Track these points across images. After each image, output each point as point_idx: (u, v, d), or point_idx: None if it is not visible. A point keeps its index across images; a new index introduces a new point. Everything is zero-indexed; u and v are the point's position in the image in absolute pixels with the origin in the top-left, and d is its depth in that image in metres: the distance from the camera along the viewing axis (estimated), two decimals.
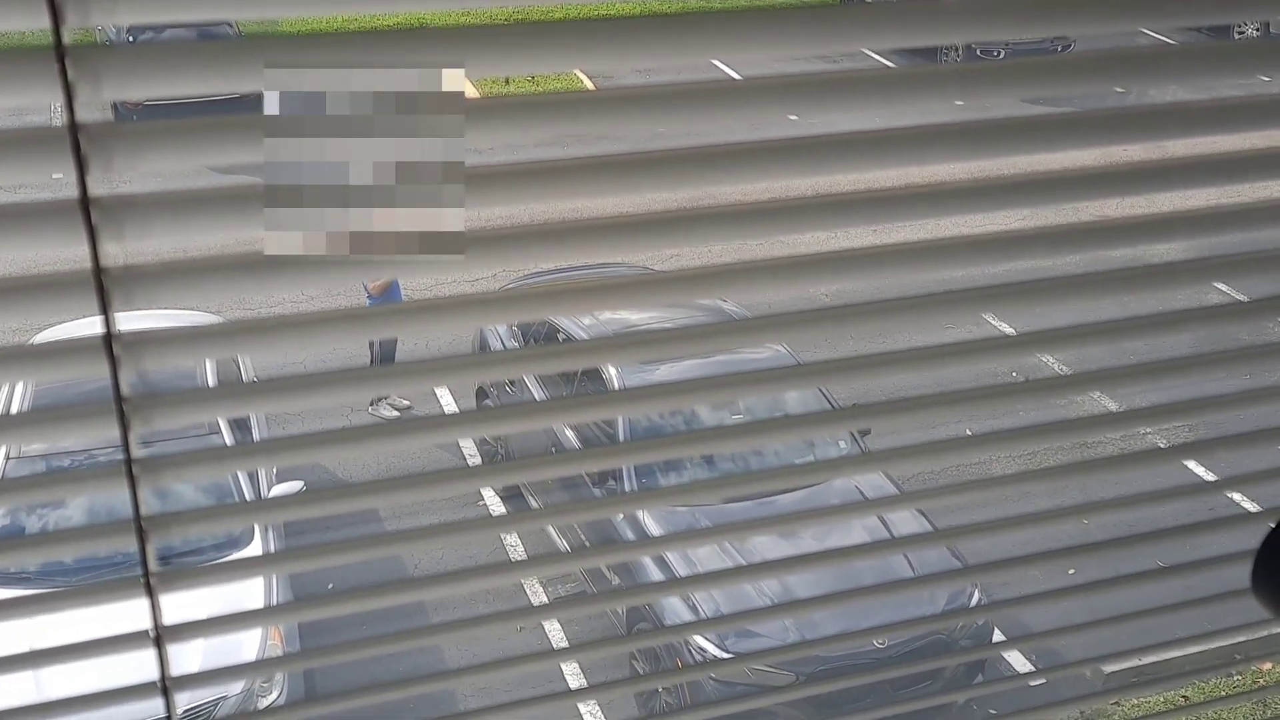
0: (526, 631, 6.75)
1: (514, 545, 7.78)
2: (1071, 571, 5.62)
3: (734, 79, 0.98)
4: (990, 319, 9.99)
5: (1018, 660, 6.97)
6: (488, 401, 9.07)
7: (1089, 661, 1.67)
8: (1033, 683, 5.33)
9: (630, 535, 6.85)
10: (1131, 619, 1.50)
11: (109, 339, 0.91)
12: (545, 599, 7.36)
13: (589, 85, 15.11)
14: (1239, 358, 1.32)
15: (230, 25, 14.46)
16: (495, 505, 8.03)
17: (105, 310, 0.90)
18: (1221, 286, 9.28)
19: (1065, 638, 1.51)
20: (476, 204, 0.92)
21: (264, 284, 0.93)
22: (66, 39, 0.81)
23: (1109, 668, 6.28)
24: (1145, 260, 1.21)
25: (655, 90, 0.95)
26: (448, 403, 9.28)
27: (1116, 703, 6.61)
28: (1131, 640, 1.65)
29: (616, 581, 6.83)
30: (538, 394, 7.85)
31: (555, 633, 7.07)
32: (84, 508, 6.23)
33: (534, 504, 7.75)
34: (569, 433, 7.51)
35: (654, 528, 6.70)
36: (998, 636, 6.81)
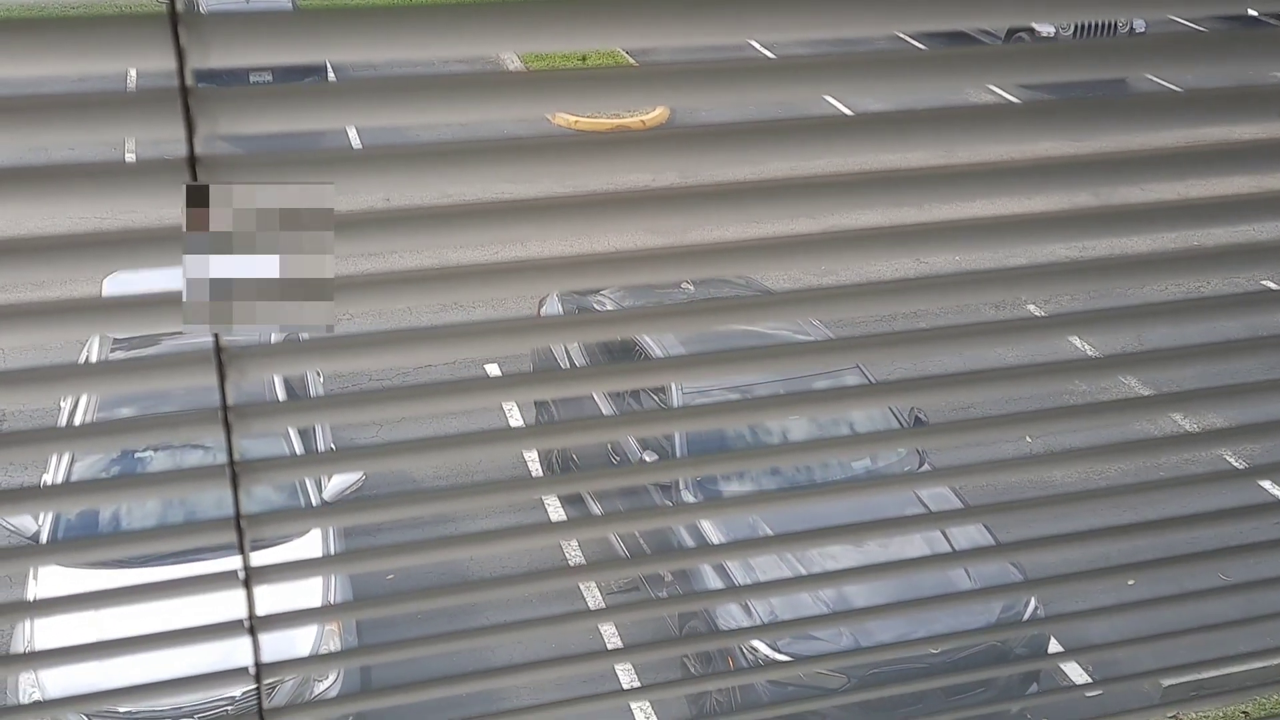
0: (579, 628, 6.79)
1: (572, 544, 7.82)
2: (1131, 582, 5.56)
3: (769, 58, 1.00)
4: (1033, 308, 9.89)
5: (1074, 671, 6.90)
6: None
7: (1149, 675, 1.66)
8: (1089, 694, 5.26)
9: (685, 533, 6.85)
10: (1192, 633, 1.49)
11: None
12: (599, 595, 7.40)
13: (630, 62, 15.18)
14: None
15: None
16: (555, 509, 8.08)
17: None
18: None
19: (1124, 649, 1.50)
20: (536, 178, 0.96)
21: (384, 240, 0.97)
22: (179, 6, 0.86)
23: (1167, 681, 6.19)
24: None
25: (695, 67, 0.97)
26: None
27: (1175, 716, 6.51)
28: (1191, 654, 1.64)
29: (669, 578, 6.85)
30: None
31: (608, 628, 7.11)
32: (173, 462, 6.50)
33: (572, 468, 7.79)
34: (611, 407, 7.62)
35: (712, 532, 6.71)
36: (1054, 646, 6.75)
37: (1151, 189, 1.13)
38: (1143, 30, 16.11)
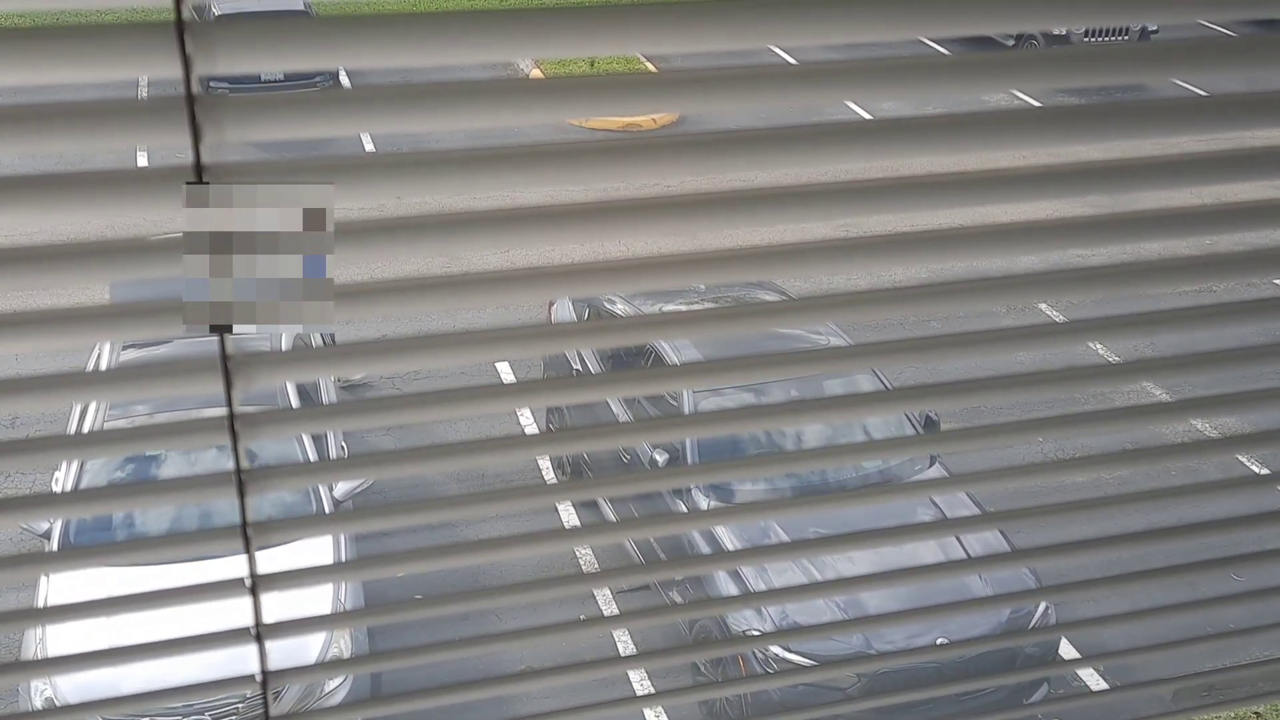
0: (590, 627, 6.79)
1: (579, 537, 7.82)
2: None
3: (790, 63, 0.99)
4: (1045, 308, 9.86)
5: (1085, 673, 6.88)
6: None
7: (1162, 683, 1.65)
8: (1098, 692, 5.24)
9: (697, 534, 6.85)
10: (1209, 640, 1.48)
11: None
12: (609, 594, 7.40)
13: (650, 68, 15.21)
14: None
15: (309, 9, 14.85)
16: (567, 509, 8.08)
17: None
18: None
19: (1138, 655, 1.49)
20: (550, 182, 0.96)
21: (397, 248, 0.96)
22: (185, 14, 0.85)
23: (1178, 683, 6.16)
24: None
25: (715, 73, 0.97)
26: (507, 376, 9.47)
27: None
28: (1204, 658, 1.62)
29: (680, 576, 6.84)
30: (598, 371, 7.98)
31: (619, 629, 7.11)
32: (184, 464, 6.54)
33: (588, 478, 7.79)
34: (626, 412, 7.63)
35: (724, 533, 6.70)
36: (1065, 645, 6.73)
37: (1168, 195, 1.13)
38: (1154, 29, 16.04)
